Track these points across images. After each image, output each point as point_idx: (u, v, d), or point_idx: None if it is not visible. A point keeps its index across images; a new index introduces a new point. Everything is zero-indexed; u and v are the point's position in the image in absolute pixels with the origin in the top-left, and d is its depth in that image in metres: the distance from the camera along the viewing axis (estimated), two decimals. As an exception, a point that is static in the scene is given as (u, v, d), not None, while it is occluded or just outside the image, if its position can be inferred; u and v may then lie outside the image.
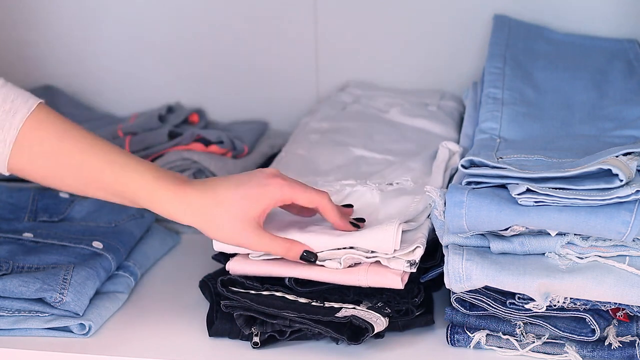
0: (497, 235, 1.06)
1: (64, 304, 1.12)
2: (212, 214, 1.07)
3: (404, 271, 1.07)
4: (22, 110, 1.07)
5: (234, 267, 1.12)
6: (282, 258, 1.10)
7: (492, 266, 1.04)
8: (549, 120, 1.22)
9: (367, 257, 1.08)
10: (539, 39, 1.46)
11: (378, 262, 1.08)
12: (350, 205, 1.15)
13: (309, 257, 1.08)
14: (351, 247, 1.08)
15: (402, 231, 1.09)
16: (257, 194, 1.07)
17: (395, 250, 1.07)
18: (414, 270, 1.08)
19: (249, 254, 1.12)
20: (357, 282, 1.08)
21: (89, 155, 1.08)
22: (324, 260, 1.09)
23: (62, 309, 1.12)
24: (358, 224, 1.11)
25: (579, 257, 1.04)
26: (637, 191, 1.00)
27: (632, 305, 1.03)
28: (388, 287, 1.07)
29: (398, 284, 1.07)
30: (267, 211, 1.08)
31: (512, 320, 1.06)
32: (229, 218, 1.07)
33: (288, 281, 1.10)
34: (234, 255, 1.14)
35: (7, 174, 1.09)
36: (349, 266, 1.09)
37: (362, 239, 1.08)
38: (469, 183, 1.07)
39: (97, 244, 1.22)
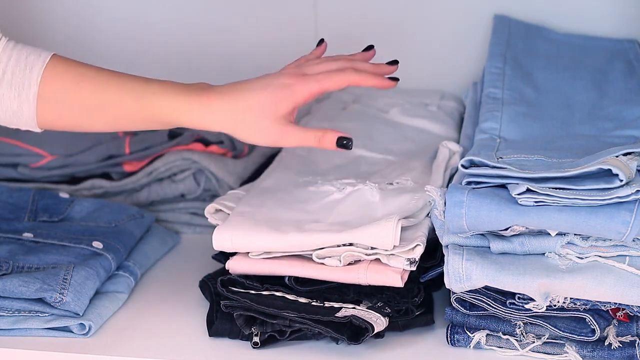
0: (497, 235, 1.06)
1: (64, 304, 1.12)
2: (243, 118, 1.08)
3: (403, 269, 1.07)
4: (37, 64, 1.08)
5: (234, 266, 1.12)
6: (281, 257, 1.10)
7: (492, 266, 1.04)
8: (549, 120, 1.22)
9: (366, 255, 1.08)
10: (539, 39, 1.46)
11: (378, 260, 1.08)
12: (395, 62, 1.16)
13: (346, 143, 1.09)
14: (350, 244, 1.08)
15: (402, 228, 1.09)
16: (285, 94, 1.08)
17: (394, 246, 1.07)
18: (414, 268, 1.08)
19: (248, 252, 1.12)
20: (357, 280, 1.08)
21: (109, 92, 1.09)
22: (324, 258, 1.09)
23: (62, 309, 1.12)
24: (393, 67, 1.14)
25: (579, 257, 1.04)
26: (637, 191, 1.00)
27: (632, 305, 1.03)
28: (388, 285, 1.07)
29: (398, 282, 1.07)
30: (297, 108, 1.09)
31: (512, 320, 1.06)
32: (261, 120, 1.08)
33: (288, 280, 1.10)
34: (233, 254, 1.14)
35: (39, 130, 1.10)
36: (349, 264, 1.09)
37: (361, 235, 1.08)
38: (469, 183, 1.07)
39: (97, 244, 1.22)
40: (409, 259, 1.07)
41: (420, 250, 1.08)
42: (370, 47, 1.16)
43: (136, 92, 1.09)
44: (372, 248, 1.08)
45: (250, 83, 1.11)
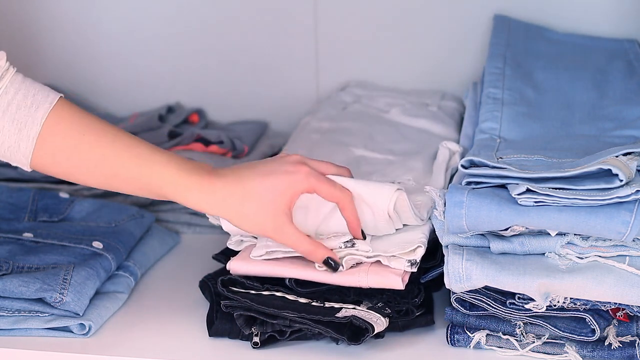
0: (497, 235, 1.06)
1: (64, 304, 1.12)
2: (240, 205, 1.06)
3: (404, 271, 1.07)
4: (44, 105, 1.06)
5: (235, 266, 1.12)
6: (282, 258, 1.10)
7: (492, 266, 1.04)
8: (549, 120, 1.22)
9: (367, 257, 1.08)
10: (539, 39, 1.46)
11: (379, 262, 1.08)
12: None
13: (332, 264, 1.08)
14: (353, 245, 1.09)
15: (403, 229, 1.09)
16: (285, 184, 1.07)
17: (389, 214, 1.08)
18: (415, 270, 1.08)
19: (250, 253, 1.12)
20: (358, 283, 1.08)
21: (112, 149, 1.07)
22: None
23: (62, 309, 1.12)
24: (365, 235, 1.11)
25: (579, 257, 1.04)
26: (637, 191, 1.00)
27: (632, 305, 1.03)
28: (388, 287, 1.07)
29: (399, 284, 1.07)
30: (294, 200, 1.07)
31: (512, 320, 1.06)
32: (258, 209, 1.06)
33: (288, 281, 1.10)
34: (234, 254, 1.14)
35: (29, 170, 1.08)
36: (350, 267, 1.09)
37: (363, 188, 1.09)
38: (469, 183, 1.07)
39: (97, 244, 1.22)
40: (409, 261, 1.07)
41: (421, 251, 1.08)
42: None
43: (140, 158, 1.07)
44: (374, 254, 1.08)
45: (252, 169, 1.09)
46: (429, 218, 1.14)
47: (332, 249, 1.09)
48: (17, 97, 1.05)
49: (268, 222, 1.07)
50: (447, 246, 1.07)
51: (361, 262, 1.09)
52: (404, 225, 1.12)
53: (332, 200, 1.08)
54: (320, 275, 1.09)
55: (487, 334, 1.07)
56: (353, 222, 1.09)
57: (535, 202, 1.02)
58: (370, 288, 1.09)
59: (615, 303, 1.03)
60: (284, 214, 1.07)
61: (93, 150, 1.07)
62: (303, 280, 1.10)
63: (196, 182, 1.07)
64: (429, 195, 1.12)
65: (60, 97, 1.08)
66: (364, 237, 1.10)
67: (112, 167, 1.07)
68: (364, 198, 1.09)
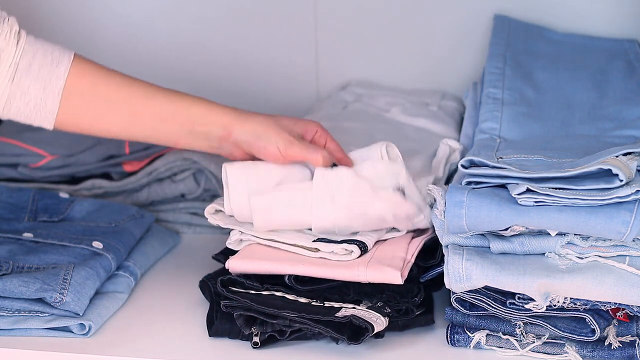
0: (497, 235, 1.06)
1: (64, 304, 1.12)
2: (253, 118, 1.14)
3: (403, 265, 1.08)
4: (64, 60, 1.11)
5: (234, 265, 1.12)
6: (281, 255, 1.11)
7: (492, 266, 1.04)
8: (549, 120, 1.22)
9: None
10: (539, 39, 1.46)
11: (378, 260, 1.08)
12: None
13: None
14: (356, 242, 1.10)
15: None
16: (301, 122, 1.17)
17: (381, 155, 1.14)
18: (402, 196, 1.10)
19: (249, 252, 1.12)
20: (357, 277, 1.08)
21: (135, 88, 1.13)
22: (330, 252, 1.10)
23: (62, 309, 1.12)
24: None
25: (579, 257, 1.04)
26: (637, 191, 1.00)
27: (632, 305, 1.03)
28: (387, 282, 1.07)
29: (397, 279, 1.07)
30: (306, 136, 1.16)
31: (512, 320, 1.06)
32: (267, 123, 1.14)
33: (288, 279, 1.10)
34: (233, 254, 1.14)
35: (52, 128, 1.12)
36: (349, 258, 1.09)
37: (356, 153, 1.14)
38: (469, 183, 1.07)
39: (97, 244, 1.22)
40: (397, 188, 1.09)
41: (404, 175, 1.12)
42: None
43: (169, 94, 1.13)
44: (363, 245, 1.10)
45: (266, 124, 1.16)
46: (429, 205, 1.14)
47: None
48: (37, 57, 1.10)
49: (272, 135, 1.13)
50: (447, 246, 1.07)
51: (359, 256, 1.10)
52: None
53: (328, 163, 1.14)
54: (319, 270, 1.09)
55: (487, 334, 1.07)
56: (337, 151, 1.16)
57: (535, 202, 1.02)
58: (370, 287, 1.09)
59: (615, 303, 1.03)
60: (292, 135, 1.14)
61: (116, 92, 1.13)
62: (303, 277, 1.10)
63: (216, 105, 1.14)
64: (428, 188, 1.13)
65: (74, 53, 1.13)
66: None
67: (137, 105, 1.13)
68: (356, 158, 1.14)
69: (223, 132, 1.14)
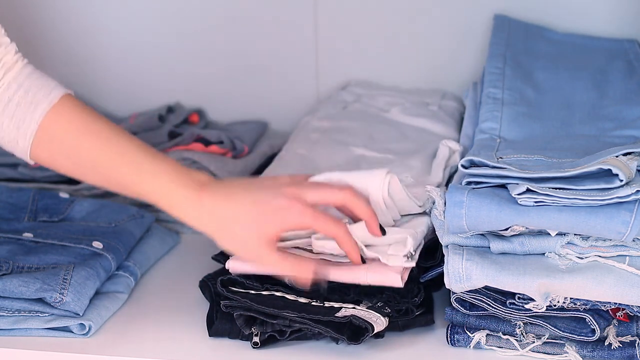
0: (497, 235, 1.06)
1: (64, 304, 1.12)
2: (226, 226, 1.05)
3: (404, 268, 1.07)
4: (43, 104, 1.06)
5: (234, 265, 1.12)
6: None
7: (492, 266, 1.04)
8: (549, 120, 1.22)
9: (365, 245, 1.08)
10: (539, 39, 1.46)
11: (378, 260, 1.08)
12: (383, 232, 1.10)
13: (318, 290, 1.08)
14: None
15: (399, 224, 1.10)
16: (275, 217, 1.04)
17: (384, 199, 1.08)
18: (413, 264, 1.07)
19: None
20: (357, 280, 1.08)
21: (106, 154, 1.07)
22: (329, 254, 1.09)
23: (62, 309, 1.12)
24: (384, 229, 1.08)
25: (579, 257, 1.04)
26: (637, 191, 1.00)
27: (632, 305, 1.03)
28: (388, 285, 1.07)
29: (398, 282, 1.07)
30: (281, 232, 1.06)
31: (512, 320, 1.06)
32: (243, 233, 1.05)
33: (288, 280, 1.10)
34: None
35: (32, 162, 1.09)
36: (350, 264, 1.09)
37: (354, 179, 1.08)
38: (469, 183, 1.07)
39: (97, 244, 1.22)
40: (405, 255, 1.07)
41: (410, 242, 1.07)
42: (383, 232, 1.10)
43: (131, 166, 1.06)
44: (367, 245, 1.08)
45: (244, 190, 1.06)
46: (425, 212, 1.14)
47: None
48: (18, 93, 1.06)
49: (252, 248, 1.05)
50: (447, 246, 1.07)
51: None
52: (401, 216, 1.12)
53: (329, 235, 1.06)
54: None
55: (487, 334, 1.07)
56: (352, 255, 1.07)
57: (535, 202, 1.02)
58: (370, 287, 1.09)
59: (615, 303, 1.03)
60: (267, 245, 1.05)
61: (87, 153, 1.07)
62: None
63: (183, 195, 1.06)
64: (427, 189, 1.13)
65: (63, 95, 1.08)
66: (384, 232, 1.08)
67: (106, 172, 1.07)
68: (361, 186, 1.09)
69: (197, 228, 1.08)
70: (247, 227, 1.05)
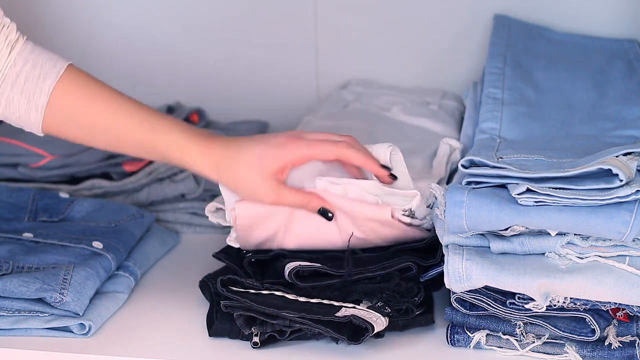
0: (497, 235, 1.06)
1: (64, 304, 1.12)
2: (233, 170, 1.10)
3: (399, 219, 1.09)
4: (51, 75, 1.09)
5: (240, 211, 1.13)
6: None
7: (492, 266, 1.04)
8: (549, 120, 1.22)
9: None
10: (539, 39, 1.46)
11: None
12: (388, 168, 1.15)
13: (326, 213, 1.11)
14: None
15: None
16: (275, 153, 1.10)
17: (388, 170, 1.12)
18: (408, 220, 1.09)
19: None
20: (352, 210, 1.10)
21: (118, 116, 1.11)
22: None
23: (62, 309, 1.12)
24: (392, 173, 1.13)
25: (579, 257, 1.04)
26: (637, 191, 1.00)
27: (632, 305, 1.03)
28: (377, 217, 1.10)
29: (387, 214, 1.09)
30: (286, 169, 1.11)
31: (512, 320, 1.06)
32: (248, 173, 1.10)
33: (288, 275, 1.10)
34: (234, 252, 1.14)
35: (42, 134, 1.12)
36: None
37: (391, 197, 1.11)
38: (469, 183, 1.07)
39: (97, 244, 1.22)
40: (404, 210, 1.08)
41: (417, 200, 1.10)
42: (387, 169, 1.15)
43: (145, 124, 1.11)
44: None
45: (248, 139, 1.13)
46: (429, 206, 1.14)
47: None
48: (25, 68, 1.09)
49: (261, 186, 1.10)
50: (447, 246, 1.07)
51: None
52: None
53: (333, 156, 1.11)
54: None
55: (487, 334, 1.07)
56: (367, 164, 1.11)
57: (535, 202, 1.02)
58: (371, 287, 1.09)
59: (615, 303, 1.03)
60: (273, 179, 1.10)
61: (100, 118, 1.10)
62: (303, 273, 1.10)
63: (195, 145, 1.10)
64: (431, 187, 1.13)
65: (69, 65, 1.11)
66: (389, 170, 1.12)
67: (119, 134, 1.11)
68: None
69: (208, 175, 1.13)
70: (249, 166, 1.10)
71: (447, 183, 1.22)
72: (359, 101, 1.51)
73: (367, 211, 1.11)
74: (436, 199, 1.10)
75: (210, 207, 1.19)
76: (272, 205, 1.12)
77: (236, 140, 1.12)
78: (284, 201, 1.11)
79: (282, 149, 1.10)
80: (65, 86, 1.10)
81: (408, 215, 1.09)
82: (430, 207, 1.13)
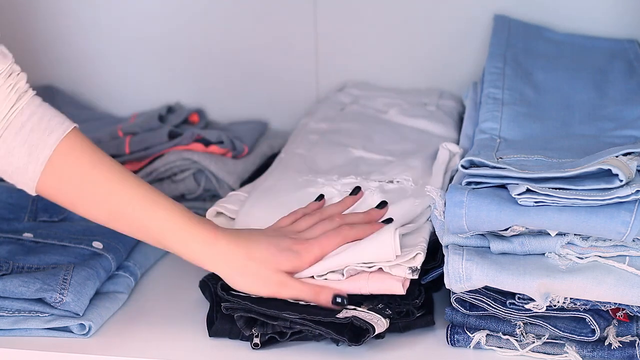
0: (497, 235, 1.06)
1: (64, 304, 1.12)
2: (244, 265, 1.07)
3: (405, 278, 1.07)
4: (58, 131, 1.06)
5: None
6: None
7: (492, 266, 1.04)
8: (549, 120, 1.22)
9: (368, 267, 1.08)
10: (539, 39, 1.46)
11: (380, 269, 1.08)
12: (384, 204, 1.15)
13: (340, 302, 1.07)
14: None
15: (402, 235, 1.09)
16: (291, 258, 1.07)
17: (397, 256, 1.07)
18: (416, 276, 1.07)
19: None
20: (359, 290, 1.08)
21: (119, 187, 1.07)
22: (326, 273, 1.09)
23: (62, 309, 1.12)
24: (383, 210, 1.14)
25: (579, 257, 1.04)
26: (637, 191, 1.00)
27: (632, 305, 1.03)
28: (389, 293, 1.07)
29: (399, 289, 1.07)
30: (294, 271, 1.08)
31: (512, 321, 1.06)
32: (262, 270, 1.07)
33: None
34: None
35: (34, 194, 1.08)
36: (351, 275, 1.09)
37: (361, 254, 1.07)
38: (469, 183, 1.07)
39: (97, 244, 1.22)
40: (410, 268, 1.07)
41: (421, 258, 1.07)
42: (356, 191, 1.18)
43: (146, 199, 1.07)
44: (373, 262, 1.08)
45: (256, 235, 1.09)
46: (428, 219, 1.14)
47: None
48: (32, 120, 1.06)
49: (271, 279, 1.07)
50: (447, 246, 1.07)
51: (362, 271, 1.09)
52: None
53: (342, 244, 1.09)
54: (322, 283, 1.09)
55: (487, 334, 1.07)
56: (366, 231, 1.10)
57: (535, 202, 1.02)
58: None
59: (615, 303, 1.03)
60: (286, 274, 1.08)
61: (101, 183, 1.07)
62: None
63: (200, 233, 1.07)
64: (427, 197, 1.12)
65: (75, 126, 1.08)
66: (388, 220, 1.12)
67: (117, 204, 1.07)
68: (371, 260, 1.08)
69: (205, 266, 1.10)
70: (263, 263, 1.07)
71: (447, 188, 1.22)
72: (356, 103, 1.51)
73: (376, 287, 1.08)
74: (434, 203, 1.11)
75: (211, 212, 1.19)
76: (279, 296, 1.08)
77: (245, 237, 1.08)
78: (294, 295, 1.08)
79: (298, 256, 1.07)
80: (70, 145, 1.06)
81: (414, 271, 1.08)
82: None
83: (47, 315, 1.13)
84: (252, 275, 1.07)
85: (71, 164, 1.06)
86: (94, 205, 1.08)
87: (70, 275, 1.14)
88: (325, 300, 1.07)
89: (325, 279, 1.09)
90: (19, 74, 1.07)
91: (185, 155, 1.39)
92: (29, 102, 1.06)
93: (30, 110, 1.06)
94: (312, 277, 1.09)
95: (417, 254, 1.07)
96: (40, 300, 1.13)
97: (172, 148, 1.42)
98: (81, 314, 1.13)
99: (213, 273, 1.17)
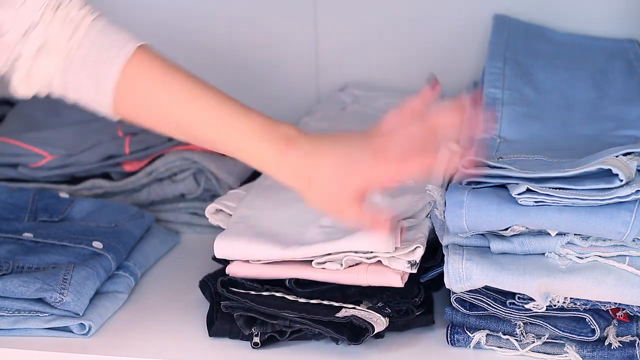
0: (497, 235, 1.06)
1: (64, 304, 1.12)
2: (310, 181, 1.03)
3: (404, 271, 1.07)
4: (119, 58, 1.03)
5: (234, 270, 1.12)
6: (282, 261, 1.10)
7: (492, 266, 1.04)
8: (549, 121, 1.22)
9: (367, 258, 1.08)
10: (539, 39, 1.46)
11: (379, 261, 1.08)
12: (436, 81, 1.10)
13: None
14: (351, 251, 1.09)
15: (403, 229, 1.09)
16: (358, 176, 1.02)
17: (395, 248, 1.07)
18: (415, 270, 1.07)
19: (248, 260, 1.12)
20: (357, 281, 1.08)
21: (191, 109, 1.04)
22: (324, 263, 1.09)
23: (62, 309, 1.12)
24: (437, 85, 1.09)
25: (579, 257, 1.04)
26: (637, 191, 1.00)
27: (632, 305, 1.03)
28: (388, 285, 1.07)
29: (398, 282, 1.07)
30: (364, 188, 1.03)
31: (512, 320, 1.06)
32: (325, 187, 1.03)
33: (289, 282, 1.10)
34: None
35: (116, 119, 1.06)
36: (349, 266, 1.09)
37: (360, 241, 1.07)
38: (469, 183, 1.07)
39: (97, 244, 1.22)
40: (409, 261, 1.07)
41: (420, 252, 1.07)
42: (430, 78, 1.10)
43: (219, 121, 1.04)
44: (372, 252, 1.08)
45: (331, 148, 1.04)
46: (428, 216, 1.14)
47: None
48: (92, 51, 1.03)
49: (332, 201, 1.04)
50: (447, 246, 1.07)
51: (360, 263, 1.09)
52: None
53: (411, 176, 1.04)
54: (320, 274, 1.09)
55: (487, 334, 1.07)
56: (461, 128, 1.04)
57: (536, 202, 1.02)
58: (371, 288, 1.09)
59: (615, 303, 1.03)
60: (350, 198, 1.03)
61: (170, 106, 1.04)
62: (303, 281, 1.10)
63: (270, 152, 1.03)
64: (426, 194, 1.12)
65: (140, 46, 1.05)
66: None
67: (190, 127, 1.05)
68: (368, 249, 1.08)
69: (287, 184, 1.06)
70: (329, 181, 1.03)
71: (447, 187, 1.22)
72: (357, 103, 1.51)
73: (375, 279, 1.08)
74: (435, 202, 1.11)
75: (210, 209, 1.19)
76: (342, 218, 1.05)
77: (316, 149, 1.04)
78: (349, 223, 1.05)
79: (366, 176, 1.02)
80: (135, 69, 1.03)
81: (413, 265, 1.08)
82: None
83: (47, 315, 1.13)
84: (318, 191, 1.03)
85: (137, 91, 1.04)
86: (168, 127, 1.05)
87: (70, 275, 1.14)
88: (382, 231, 1.05)
89: (324, 268, 1.09)
90: (68, 3, 1.04)
91: (185, 155, 1.39)
92: (87, 32, 1.04)
93: (89, 41, 1.03)
94: (311, 262, 1.09)
95: (416, 247, 1.07)
96: (40, 300, 1.13)
97: (172, 148, 1.42)
98: (81, 314, 1.13)
99: (213, 273, 1.17)
